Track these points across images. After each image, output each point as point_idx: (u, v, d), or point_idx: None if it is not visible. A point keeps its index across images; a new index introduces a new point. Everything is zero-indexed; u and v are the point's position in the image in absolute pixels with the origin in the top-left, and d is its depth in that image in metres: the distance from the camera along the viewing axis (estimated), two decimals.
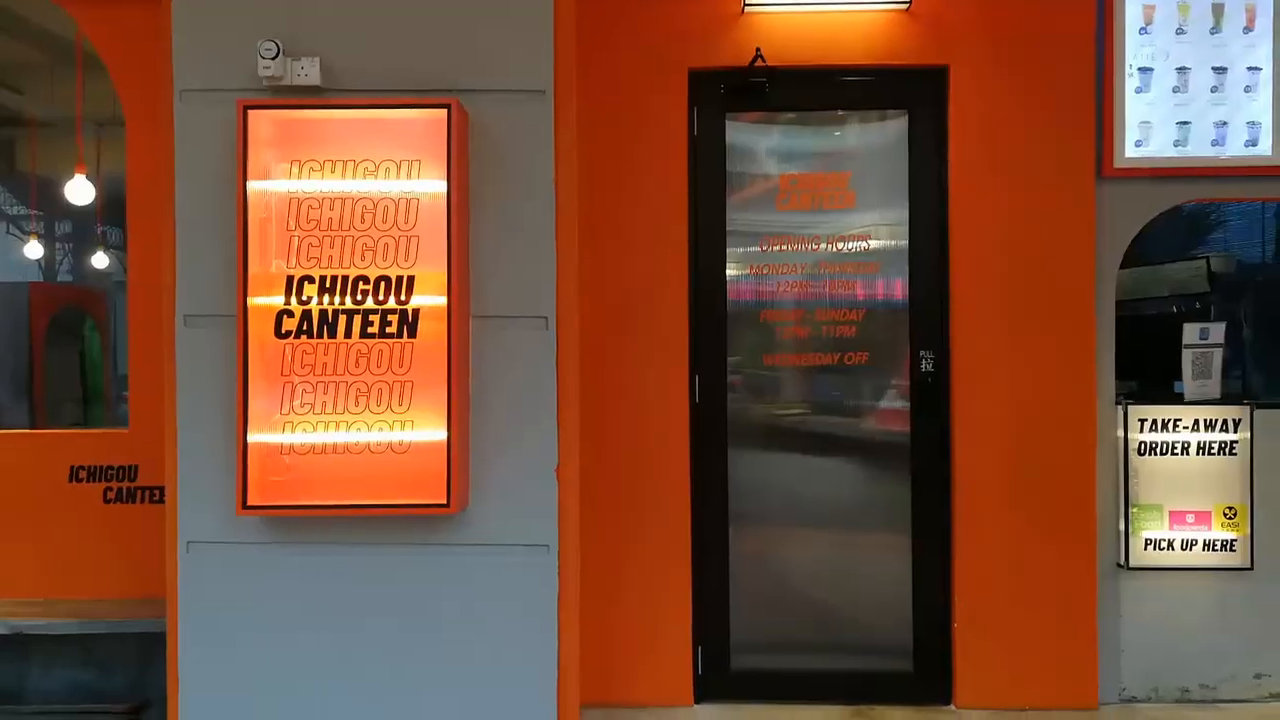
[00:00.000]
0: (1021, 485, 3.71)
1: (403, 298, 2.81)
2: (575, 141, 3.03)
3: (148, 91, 3.33)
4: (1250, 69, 3.80)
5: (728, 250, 3.87)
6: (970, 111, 3.75)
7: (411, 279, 2.82)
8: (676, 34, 3.76)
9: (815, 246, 3.91)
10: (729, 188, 3.88)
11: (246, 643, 2.90)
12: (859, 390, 3.97)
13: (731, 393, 3.89)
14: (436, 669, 2.91)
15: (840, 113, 3.98)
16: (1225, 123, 3.79)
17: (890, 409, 3.93)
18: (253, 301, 2.78)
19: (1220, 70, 3.79)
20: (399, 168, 2.87)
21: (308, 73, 2.88)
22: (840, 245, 3.90)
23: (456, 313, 2.78)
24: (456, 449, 2.77)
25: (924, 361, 3.83)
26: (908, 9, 3.72)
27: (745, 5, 3.73)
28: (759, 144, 3.99)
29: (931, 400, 3.82)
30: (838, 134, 4.06)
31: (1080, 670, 3.72)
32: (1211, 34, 3.78)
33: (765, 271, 3.92)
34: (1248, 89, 3.80)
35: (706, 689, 3.78)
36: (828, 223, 3.90)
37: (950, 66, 3.76)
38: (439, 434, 2.77)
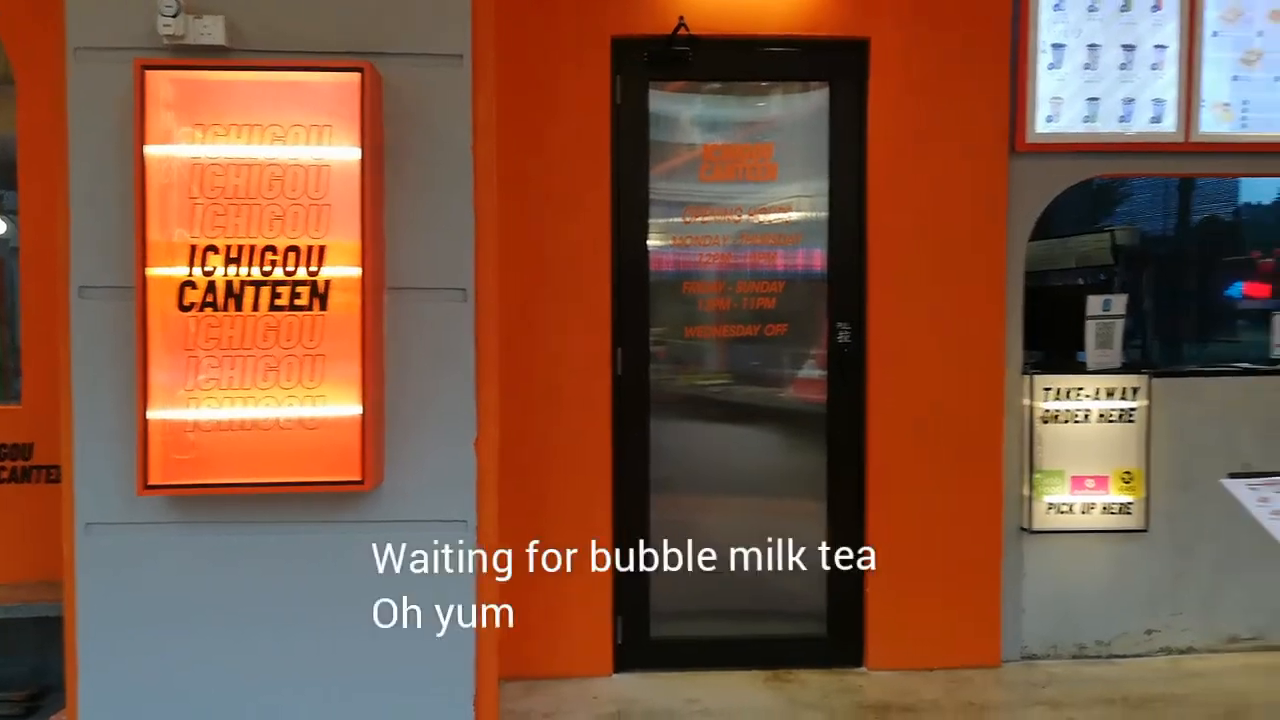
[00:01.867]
0: (932, 452, 3.82)
1: (313, 269, 2.72)
2: (494, 108, 2.96)
3: (39, 48, 3.15)
4: (1157, 47, 3.91)
5: (650, 221, 3.85)
6: (890, 84, 3.78)
7: (323, 249, 2.73)
8: (599, 1, 3.69)
9: (738, 218, 3.92)
10: (652, 158, 3.85)
11: (149, 627, 2.81)
12: (779, 360, 4.02)
13: (654, 363, 3.89)
14: (350, 647, 2.86)
15: (764, 84, 3.98)
16: (1132, 100, 3.91)
17: (809, 379, 3.98)
18: (153, 272, 2.66)
19: (1129, 48, 3.90)
20: (309, 133, 2.76)
21: (211, 32, 2.74)
22: (762, 217, 3.92)
23: (370, 284, 2.71)
24: (370, 424, 2.71)
25: (841, 333, 3.89)
26: None
27: None
28: (683, 114, 3.96)
29: (848, 370, 3.88)
30: (762, 105, 4.06)
31: (985, 630, 3.87)
32: (1121, 12, 3.88)
33: (688, 243, 3.91)
34: (1154, 67, 3.91)
35: (626, 658, 3.82)
36: (751, 194, 3.91)
37: (871, 39, 3.78)
38: (352, 409, 2.71)
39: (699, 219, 3.90)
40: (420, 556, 2.88)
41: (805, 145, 3.92)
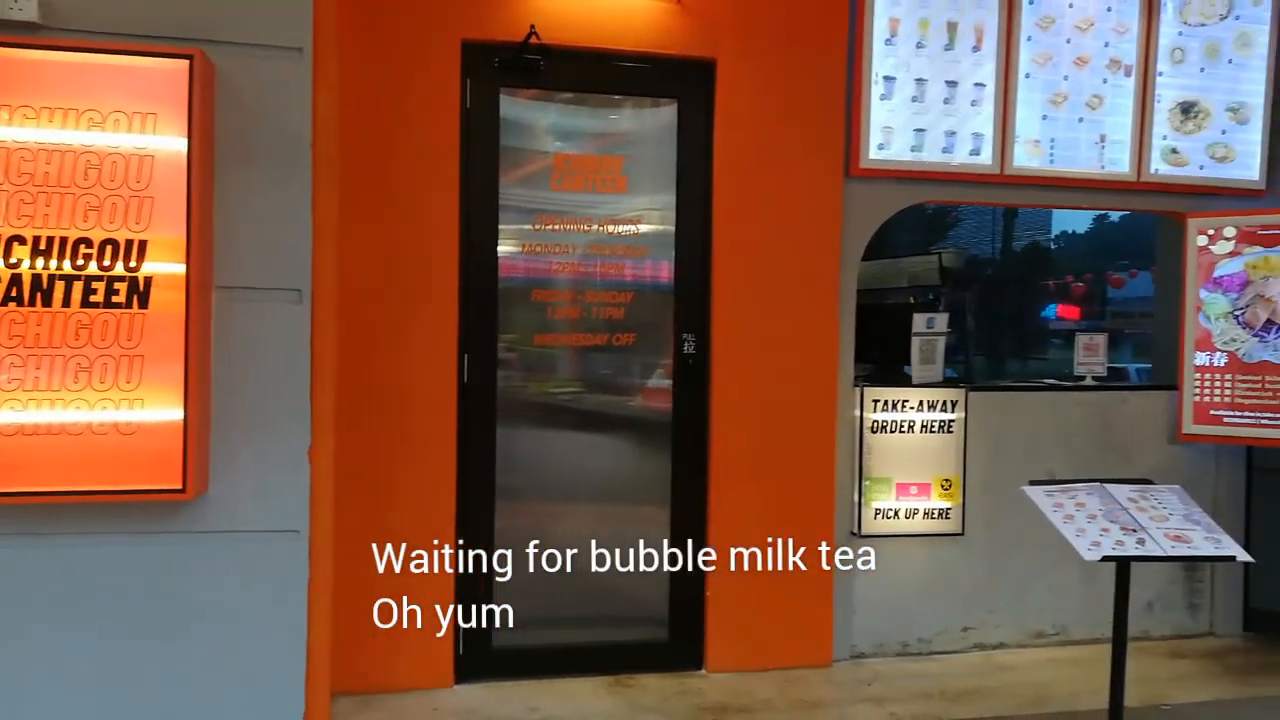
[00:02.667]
0: (770, 460, 3.96)
1: (133, 264, 2.56)
2: (336, 104, 2.89)
3: None
4: (977, 85, 4.21)
5: (501, 227, 3.83)
6: (735, 105, 3.91)
7: (144, 244, 2.58)
8: (452, 4, 3.66)
9: (588, 228, 3.95)
10: (504, 164, 3.83)
11: None
12: (628, 369, 4.07)
13: (503, 371, 3.87)
14: (174, 664, 2.71)
15: (616, 97, 4.04)
16: (954, 132, 4.19)
17: (656, 388, 4.06)
18: None
19: (952, 84, 4.18)
20: (132, 120, 2.61)
21: (23, 7, 2.56)
22: (612, 228, 3.97)
23: (196, 282, 2.58)
24: (194, 429, 2.58)
25: (686, 343, 3.98)
26: (679, 0, 3.82)
27: None
28: (536, 121, 3.97)
29: (693, 380, 3.98)
30: (614, 117, 4.12)
31: (817, 631, 4.04)
32: (946, 50, 4.16)
33: (539, 250, 3.92)
34: (974, 103, 4.21)
35: (468, 669, 3.77)
36: (601, 205, 3.95)
37: (718, 60, 3.90)
38: (174, 413, 2.57)
39: (549, 227, 3.92)
40: (248, 568, 2.76)
41: (655, 159, 4.01)
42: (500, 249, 3.84)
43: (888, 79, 4.10)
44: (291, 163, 2.78)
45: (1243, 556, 2.81)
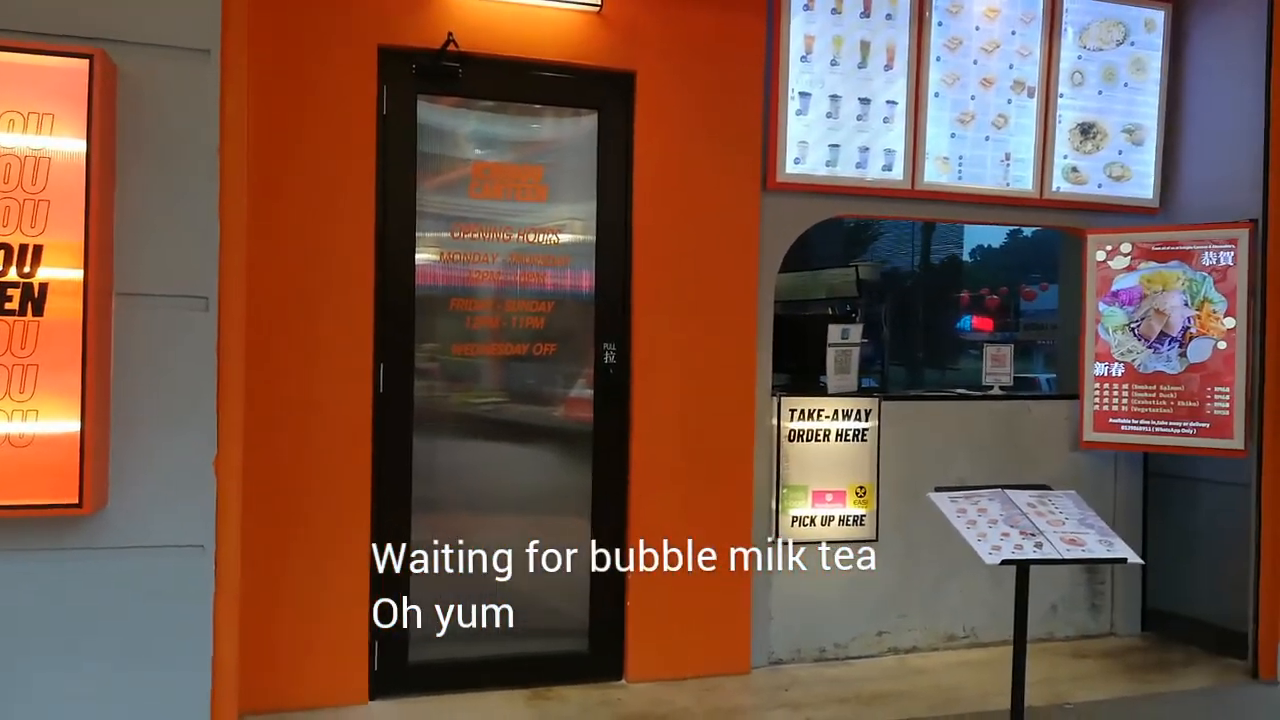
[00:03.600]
0: (690, 469, 3.99)
1: (26, 270, 2.46)
2: (245, 109, 2.83)
3: None
4: (889, 102, 4.33)
5: (419, 235, 3.79)
6: (654, 117, 3.95)
7: (39, 248, 2.48)
8: (368, 8, 3.62)
9: (508, 236, 3.94)
10: (423, 170, 3.80)
11: None
12: (549, 379, 4.06)
13: (422, 380, 3.82)
14: (77, 685, 2.60)
15: (537, 106, 4.04)
16: (868, 148, 4.31)
17: (577, 398, 4.05)
18: None
19: (865, 101, 4.29)
20: (27, 121, 2.51)
21: None
22: (532, 237, 3.96)
23: (95, 288, 2.49)
24: (92, 441, 2.48)
25: (607, 353, 3.99)
26: (599, 11, 3.84)
27: None
28: (455, 128, 3.94)
29: (614, 390, 3.99)
30: (535, 126, 4.11)
31: (736, 639, 4.08)
32: (859, 68, 4.27)
33: (457, 258, 3.88)
34: (886, 120, 4.33)
35: (383, 684, 3.70)
36: (521, 214, 3.94)
37: (638, 72, 3.93)
38: (70, 425, 2.47)
39: (469, 235, 3.89)
40: (150, 585, 2.66)
41: (576, 169, 4.02)
42: (418, 257, 3.80)
43: (803, 95, 4.19)
44: (198, 167, 2.71)
45: (1133, 559, 2.94)
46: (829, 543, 4.22)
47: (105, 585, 2.64)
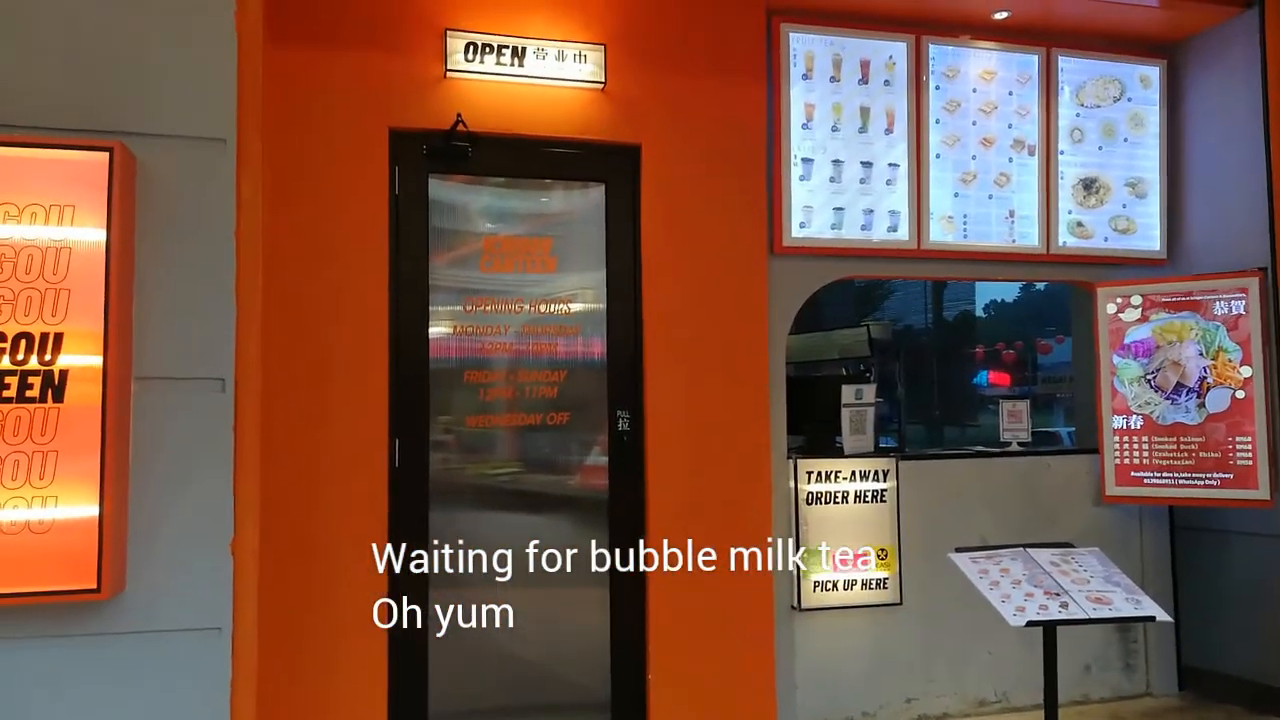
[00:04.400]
0: (708, 535, 3.94)
1: (47, 357, 2.50)
2: (260, 193, 2.89)
3: None
4: (891, 165, 4.40)
5: (432, 309, 3.85)
6: (660, 188, 4.02)
7: (60, 336, 2.52)
8: (379, 93, 3.73)
9: (519, 308, 3.99)
10: (434, 246, 3.87)
11: None
12: (564, 448, 4.07)
13: (437, 453, 3.83)
14: None
15: (546, 180, 4.12)
16: (872, 210, 4.36)
17: (592, 465, 4.05)
18: None
19: (867, 164, 4.36)
20: (49, 213, 2.57)
21: None
22: (544, 307, 4.01)
23: (114, 373, 2.53)
24: (110, 526, 2.49)
25: (621, 420, 4.00)
26: (604, 89, 3.95)
27: (447, 71, 3.78)
28: (467, 203, 4.02)
29: (628, 457, 3.98)
30: (543, 200, 4.19)
31: (761, 708, 3.99)
32: (860, 133, 4.35)
33: (470, 331, 3.93)
34: (889, 182, 4.39)
35: None
36: (532, 285, 4.00)
37: (642, 145, 4.01)
38: (89, 510, 2.48)
39: (481, 308, 3.94)
40: (168, 668, 2.64)
41: (584, 239, 4.08)
42: (432, 330, 3.85)
43: (806, 160, 4.26)
44: (214, 252, 2.76)
45: (1162, 616, 2.88)
46: (853, 608, 4.18)
47: (122, 670, 2.62)
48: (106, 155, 2.55)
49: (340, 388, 3.62)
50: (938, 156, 4.46)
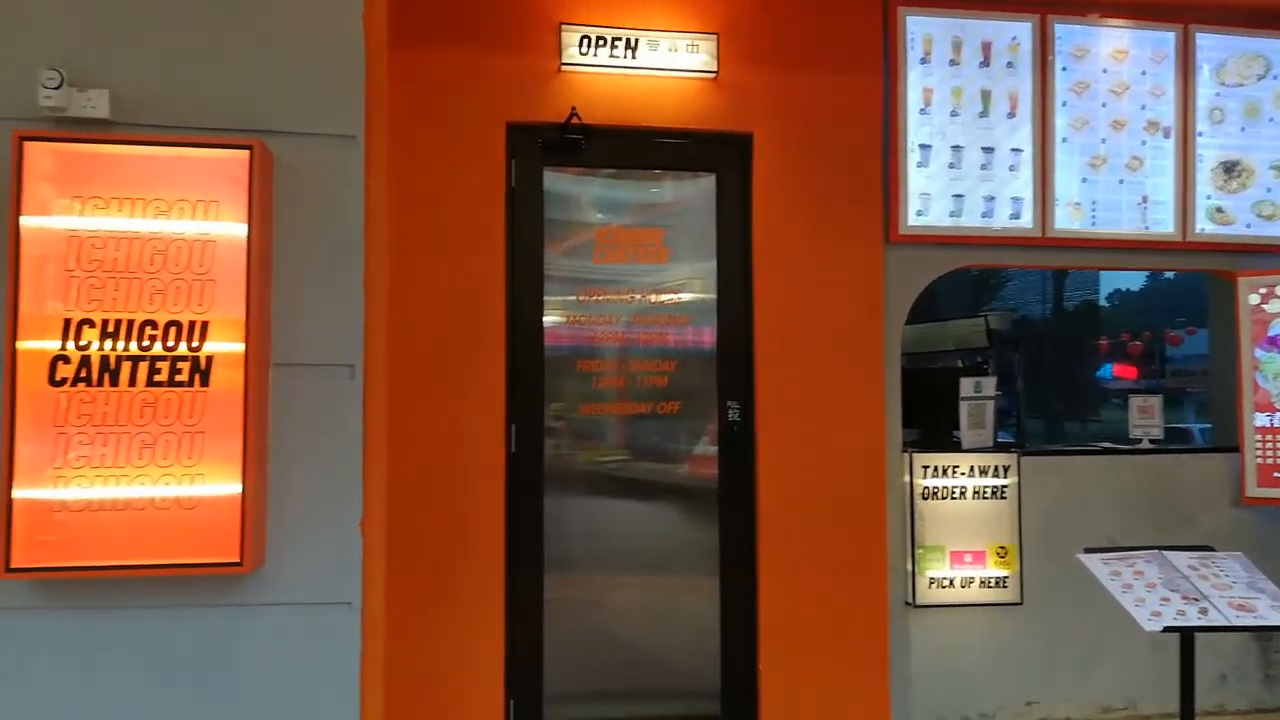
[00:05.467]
0: (820, 529, 3.92)
1: (195, 344, 2.67)
2: (386, 187, 3.01)
3: None
4: (1014, 150, 4.25)
5: (546, 299, 3.92)
6: (772, 176, 3.99)
7: (205, 324, 2.69)
8: (496, 89, 3.82)
9: (631, 297, 4.02)
10: (548, 237, 3.94)
11: (14, 718, 2.63)
12: (673, 437, 4.09)
13: (549, 440, 3.91)
14: None
15: (656, 171, 4.14)
16: (993, 197, 4.22)
17: (701, 455, 4.06)
18: (23, 345, 2.57)
19: (989, 150, 4.22)
20: (195, 208, 2.74)
21: (95, 105, 2.72)
22: (654, 297, 4.04)
23: (254, 360, 2.67)
24: (251, 503, 2.64)
25: (731, 410, 3.99)
26: (716, 78, 3.93)
27: (562, 65, 3.83)
28: (579, 195, 4.08)
29: (739, 447, 3.98)
30: (655, 190, 4.21)
31: (874, 704, 3.94)
32: (980, 118, 4.21)
33: (583, 320, 3.99)
34: (1012, 168, 4.24)
35: None
36: (643, 275, 4.03)
37: (755, 134, 3.99)
38: (232, 488, 2.64)
39: (594, 298, 3.99)
40: (302, 640, 2.79)
41: (695, 229, 4.08)
42: (546, 320, 3.92)
43: (924, 147, 4.15)
44: (345, 244, 2.89)
45: None
46: (970, 606, 4.07)
47: (262, 639, 2.77)
48: (247, 153, 2.70)
49: (460, 375, 3.73)
50: (1064, 140, 4.28)
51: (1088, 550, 2.94)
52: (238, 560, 2.63)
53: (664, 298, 4.04)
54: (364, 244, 2.90)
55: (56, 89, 2.65)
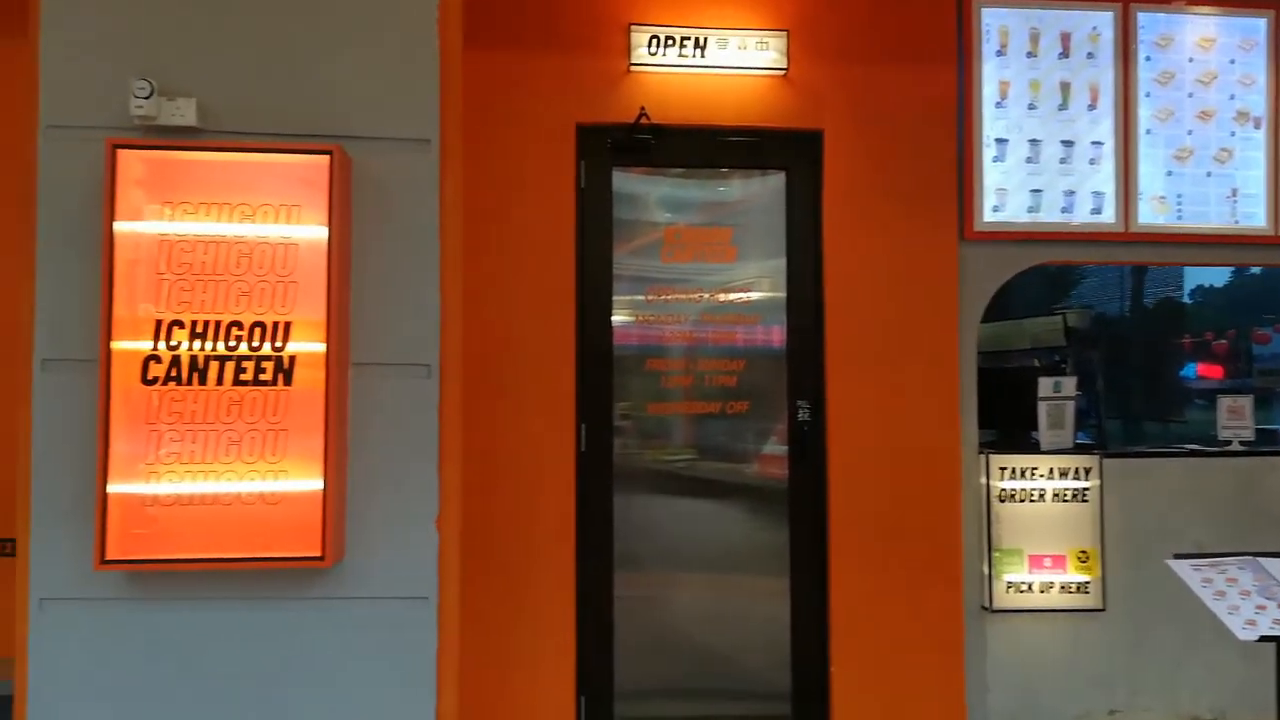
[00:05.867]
0: (893, 530, 3.86)
1: (279, 344, 2.75)
2: (461, 190, 3.05)
3: (10, 125, 3.20)
4: (1095, 143, 4.12)
5: (614, 299, 3.94)
6: (843, 174, 3.94)
7: (288, 325, 2.76)
8: (566, 90, 3.85)
9: (699, 296, 4.02)
10: (617, 237, 3.96)
11: (104, 705, 2.74)
12: (742, 437, 4.07)
13: (617, 439, 3.93)
14: None
15: (724, 169, 4.13)
16: (1073, 192, 4.10)
17: (770, 455, 4.04)
18: (117, 346, 2.67)
19: (1068, 143, 4.11)
20: (278, 212, 2.82)
21: (184, 113, 2.82)
22: (722, 296, 4.02)
23: (334, 360, 2.74)
24: (332, 499, 2.71)
25: (801, 410, 3.96)
26: (785, 75, 3.91)
27: (631, 65, 3.85)
28: (647, 194, 4.09)
29: (809, 448, 3.94)
30: (722, 189, 4.20)
31: (950, 709, 3.87)
32: (1060, 110, 4.10)
33: (651, 320, 4.00)
34: (1092, 161, 4.12)
35: None
36: (711, 274, 4.02)
37: (825, 131, 3.95)
38: (314, 484, 2.71)
39: (662, 297, 4.00)
40: (380, 634, 2.85)
41: (763, 228, 4.06)
42: (614, 319, 3.94)
43: (1000, 141, 4.06)
44: (420, 246, 2.94)
45: None
46: (1049, 611, 3.97)
47: (341, 632, 2.84)
48: (327, 158, 2.76)
49: (532, 374, 3.77)
50: (1148, 132, 4.14)
51: (1178, 556, 2.84)
52: (319, 555, 2.70)
53: (732, 296, 4.02)
54: (439, 246, 2.95)
55: (147, 98, 2.75)
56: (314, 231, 2.79)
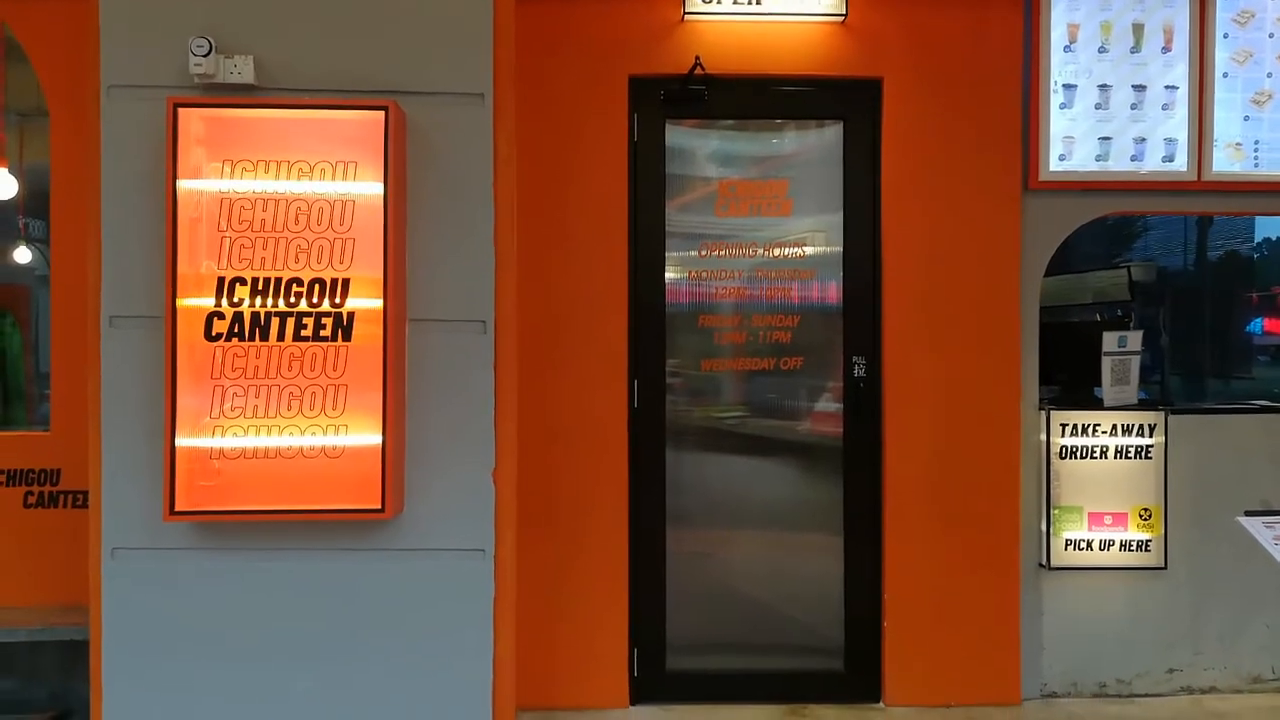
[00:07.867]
0: (949, 487, 3.82)
1: (337, 300, 2.78)
2: (514, 145, 3.04)
3: (73, 85, 3.25)
4: (1168, 88, 3.95)
5: (667, 254, 3.91)
6: (903, 123, 3.84)
7: (347, 282, 2.79)
8: (618, 42, 3.78)
9: (753, 252, 3.96)
10: (669, 192, 3.91)
11: (173, 650, 2.85)
12: (795, 394, 4.04)
13: (670, 395, 3.93)
14: (370, 675, 2.89)
15: (779, 121, 4.05)
16: (1144, 139, 3.94)
17: (826, 412, 4.00)
18: (182, 303, 2.73)
19: (1140, 88, 3.94)
20: (335, 169, 2.84)
21: (241, 71, 2.84)
22: (777, 251, 3.96)
23: (392, 316, 2.77)
24: (391, 453, 2.75)
25: (857, 366, 3.91)
26: (844, 21, 3.80)
27: (685, 14, 3.76)
28: (700, 148, 4.03)
29: (864, 405, 3.90)
30: (776, 141, 4.12)
31: (1004, 667, 3.84)
32: (1132, 53, 3.93)
33: (704, 276, 3.96)
34: (1165, 107, 3.95)
35: (642, 690, 3.81)
36: (766, 229, 3.96)
37: (884, 79, 3.84)
38: (373, 438, 2.75)
39: (715, 253, 3.95)
40: (438, 585, 2.91)
41: (819, 180, 3.97)
42: (667, 275, 3.91)
43: (1068, 87, 3.91)
44: (475, 202, 2.94)
45: None
46: (1109, 569, 3.91)
47: (401, 583, 2.91)
48: (382, 114, 2.77)
49: (585, 330, 3.77)
50: (1225, 76, 3.95)
51: (1248, 513, 2.77)
52: (379, 507, 2.75)
53: (788, 251, 3.96)
54: (493, 202, 2.95)
55: (206, 56, 2.77)
56: (370, 188, 2.81)
